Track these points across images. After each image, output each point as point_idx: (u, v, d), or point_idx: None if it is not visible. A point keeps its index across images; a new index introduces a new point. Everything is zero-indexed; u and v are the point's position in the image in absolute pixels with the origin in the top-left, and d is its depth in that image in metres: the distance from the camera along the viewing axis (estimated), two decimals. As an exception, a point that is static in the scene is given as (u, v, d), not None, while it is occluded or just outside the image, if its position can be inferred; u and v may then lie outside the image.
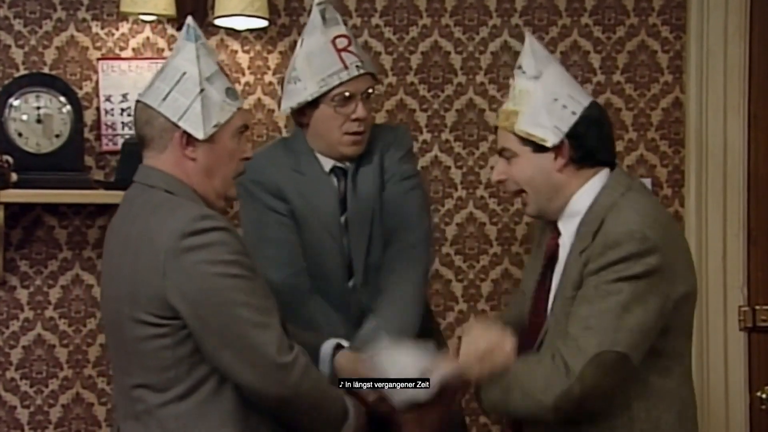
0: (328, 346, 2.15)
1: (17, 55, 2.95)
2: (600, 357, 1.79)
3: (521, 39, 3.04)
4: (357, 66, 2.32)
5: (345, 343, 2.17)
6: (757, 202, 3.05)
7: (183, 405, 1.84)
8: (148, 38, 2.98)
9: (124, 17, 2.95)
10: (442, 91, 3.08)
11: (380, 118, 3.02)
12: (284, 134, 3.02)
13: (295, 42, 3.00)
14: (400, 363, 2.00)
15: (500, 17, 3.08)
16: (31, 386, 2.96)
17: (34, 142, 2.81)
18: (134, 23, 2.97)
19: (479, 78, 3.08)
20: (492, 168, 3.04)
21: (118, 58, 2.97)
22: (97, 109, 2.96)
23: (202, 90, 1.90)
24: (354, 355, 2.13)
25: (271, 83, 3.04)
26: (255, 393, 1.84)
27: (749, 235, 3.04)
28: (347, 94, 2.31)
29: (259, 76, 3.03)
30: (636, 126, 3.09)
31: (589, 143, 1.95)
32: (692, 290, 1.93)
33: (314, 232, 2.35)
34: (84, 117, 2.91)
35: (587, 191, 1.96)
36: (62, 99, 2.83)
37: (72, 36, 2.96)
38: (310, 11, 2.99)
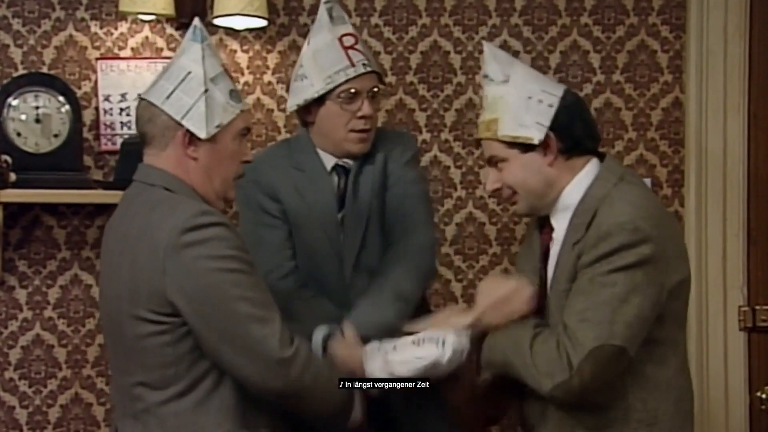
0: (317, 338, 2.14)
1: (16, 54, 2.94)
2: (598, 351, 1.80)
3: (521, 38, 3.06)
4: (364, 64, 2.33)
5: (336, 329, 2.16)
6: (757, 201, 3.05)
7: (182, 402, 1.84)
8: (147, 38, 2.98)
9: (122, 17, 2.95)
10: (442, 90, 3.08)
11: (380, 117, 3.01)
12: (283, 134, 3.02)
13: (295, 42, 3.02)
14: (414, 354, 2.00)
15: (500, 17, 3.07)
16: (30, 386, 2.96)
17: (33, 141, 2.81)
18: (133, 23, 2.97)
19: (479, 78, 3.07)
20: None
21: (117, 57, 2.96)
22: (96, 108, 2.96)
23: (206, 90, 1.92)
24: (347, 342, 2.12)
25: (270, 83, 3.03)
26: (257, 387, 1.85)
27: (749, 235, 3.04)
28: (353, 91, 2.31)
29: (258, 75, 3.03)
30: (636, 126, 3.09)
31: (573, 131, 1.97)
32: (686, 278, 1.94)
33: (310, 229, 2.36)
34: (83, 117, 2.90)
35: (578, 183, 1.97)
36: (61, 99, 2.83)
37: (71, 35, 2.96)
38: (309, 11, 3.02)
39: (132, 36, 2.98)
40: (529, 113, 1.96)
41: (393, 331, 2.12)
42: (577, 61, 3.08)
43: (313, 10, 3.01)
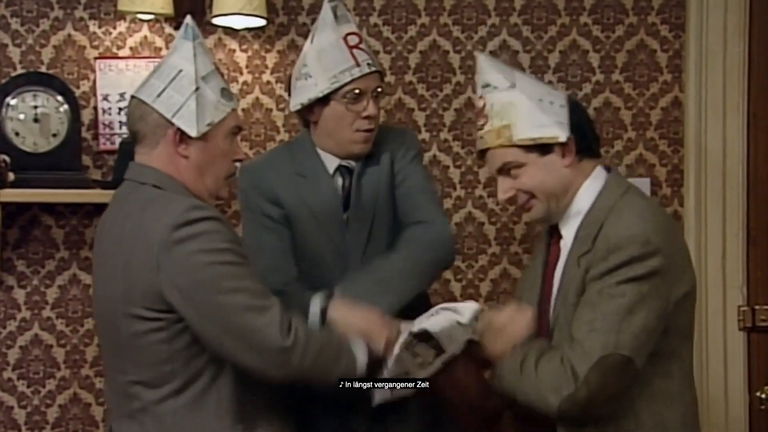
0: (315, 306, 2.14)
1: (14, 54, 2.94)
2: (604, 360, 1.79)
3: (520, 38, 3.06)
4: (368, 63, 2.32)
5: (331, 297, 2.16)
6: (756, 201, 3.05)
7: (179, 400, 1.85)
8: (145, 37, 2.98)
9: (121, 16, 2.94)
10: (441, 90, 3.07)
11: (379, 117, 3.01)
12: (282, 133, 3.02)
13: (293, 41, 3.02)
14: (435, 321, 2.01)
15: (499, 16, 3.07)
16: (29, 386, 2.95)
17: (31, 141, 2.81)
18: (132, 22, 2.97)
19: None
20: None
21: (116, 57, 2.96)
22: (95, 108, 2.95)
23: (197, 88, 1.92)
24: (343, 305, 2.12)
25: (269, 82, 3.03)
26: (260, 376, 1.86)
27: (748, 235, 3.04)
28: (358, 91, 2.31)
29: (257, 75, 3.02)
30: (635, 125, 3.09)
31: (585, 133, 1.97)
32: (691, 289, 1.93)
33: (313, 233, 2.35)
34: (81, 116, 2.90)
35: (589, 187, 1.96)
36: (59, 98, 2.82)
37: (69, 35, 2.96)
38: (308, 10, 3.02)
39: (131, 35, 2.97)
40: (546, 114, 1.95)
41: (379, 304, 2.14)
42: (576, 61, 3.08)
43: (312, 10, 3.01)
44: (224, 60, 3.00)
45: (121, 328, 1.86)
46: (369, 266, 2.29)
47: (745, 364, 3.02)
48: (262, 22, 2.93)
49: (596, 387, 1.80)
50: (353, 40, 2.34)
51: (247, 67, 3.02)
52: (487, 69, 2.03)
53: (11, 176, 2.72)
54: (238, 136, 2.05)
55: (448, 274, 3.06)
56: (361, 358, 1.98)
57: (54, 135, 2.82)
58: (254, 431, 1.89)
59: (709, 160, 3.02)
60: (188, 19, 2.01)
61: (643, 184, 3.00)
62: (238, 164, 2.11)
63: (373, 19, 3.05)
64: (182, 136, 1.91)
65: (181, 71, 1.93)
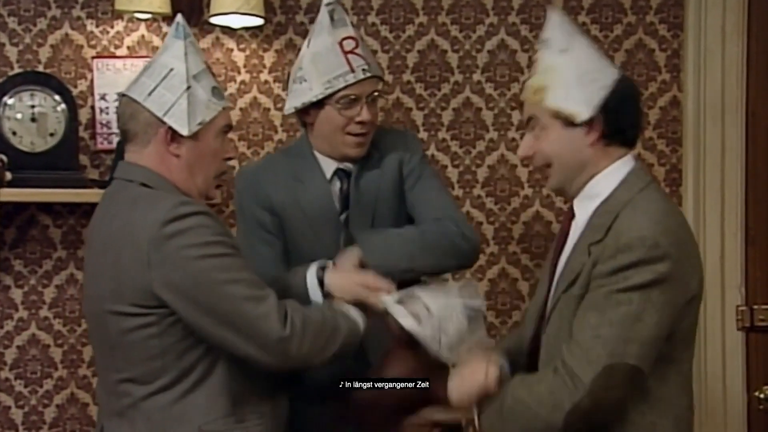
0: (312, 275, 2.14)
1: (11, 53, 2.94)
2: (611, 368, 1.76)
3: (518, 37, 3.05)
4: (363, 69, 2.31)
5: (328, 264, 2.17)
6: (755, 201, 3.04)
7: (168, 395, 1.85)
8: (143, 36, 2.97)
9: (119, 15, 2.94)
10: (439, 89, 3.07)
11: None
12: (279, 132, 3.02)
13: (291, 40, 3.01)
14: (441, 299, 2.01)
15: (497, 15, 3.07)
16: (26, 386, 2.95)
17: (29, 140, 2.80)
18: (129, 21, 2.96)
19: (476, 76, 3.07)
20: (487, 167, 3.06)
21: (113, 56, 2.96)
22: (92, 107, 2.95)
23: (188, 87, 1.93)
24: (341, 270, 2.14)
25: (266, 82, 3.02)
26: (261, 365, 1.86)
27: (747, 235, 3.03)
28: (353, 96, 2.30)
29: (254, 74, 3.02)
30: (633, 125, 3.08)
31: (619, 119, 1.92)
32: (697, 294, 1.89)
33: (307, 238, 2.35)
34: (79, 115, 2.90)
35: (609, 176, 1.92)
36: (57, 97, 2.82)
37: (67, 34, 2.95)
38: (306, 10, 3.01)
39: (128, 35, 2.97)
40: (581, 90, 1.90)
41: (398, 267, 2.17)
42: (574, 60, 3.07)
43: (310, 9, 3.00)
44: (222, 59, 2.99)
45: (110, 326, 1.86)
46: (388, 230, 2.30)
47: (743, 363, 3.01)
48: (259, 22, 2.93)
49: (602, 395, 1.77)
50: (349, 44, 2.33)
51: (244, 66, 3.01)
52: (552, 26, 1.98)
53: (8, 176, 2.72)
54: (228, 135, 2.05)
55: (446, 274, 3.05)
56: (359, 322, 2.01)
57: (51, 134, 2.81)
58: (245, 422, 1.89)
59: (707, 160, 3.02)
60: (179, 17, 2.02)
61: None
62: (229, 163, 2.11)
63: (371, 18, 3.05)
64: (173, 135, 1.92)
65: (172, 70, 1.94)
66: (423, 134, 3.06)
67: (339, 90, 2.29)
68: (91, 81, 2.95)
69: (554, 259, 2.01)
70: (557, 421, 1.78)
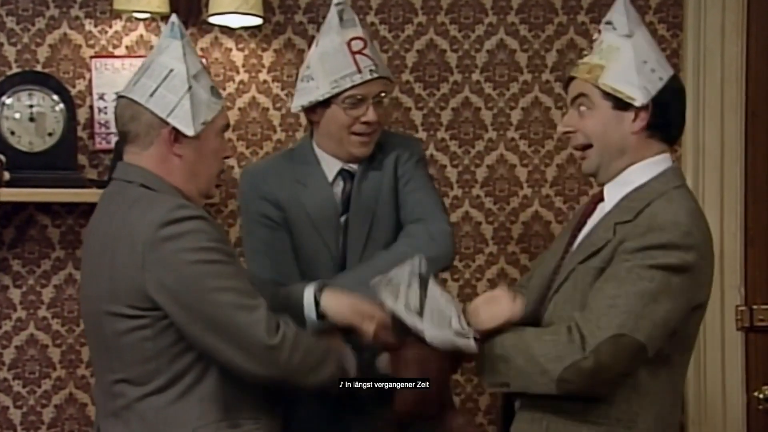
0: (309, 293, 2.12)
1: (10, 53, 2.93)
2: (619, 338, 1.77)
3: (517, 37, 3.05)
4: (371, 70, 2.31)
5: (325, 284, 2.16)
6: (754, 201, 3.04)
7: (163, 397, 1.85)
8: (141, 36, 2.97)
9: (117, 15, 2.94)
10: (438, 89, 3.07)
11: (376, 116, 3.00)
12: (278, 132, 3.01)
13: (290, 40, 3.01)
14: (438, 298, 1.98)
15: (496, 15, 3.06)
16: (24, 386, 2.95)
17: (27, 140, 2.80)
18: (127, 21, 2.96)
19: (475, 76, 3.07)
20: (486, 167, 3.06)
21: (112, 56, 2.95)
22: (91, 107, 2.95)
23: (190, 87, 1.93)
24: (338, 292, 2.12)
25: (265, 81, 3.02)
26: (247, 375, 1.85)
27: (746, 235, 3.03)
28: (359, 97, 2.30)
29: (253, 74, 3.01)
30: (633, 124, 3.08)
31: (668, 113, 1.94)
32: (704, 302, 1.93)
33: (310, 239, 2.36)
34: (77, 115, 2.90)
35: (646, 167, 1.94)
36: (55, 97, 2.82)
37: (65, 34, 2.95)
38: (305, 9, 3.01)
39: (127, 34, 2.97)
40: (640, 76, 1.92)
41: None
42: (573, 60, 3.05)
43: (309, 9, 3.00)
44: (220, 59, 2.99)
45: (105, 326, 1.86)
46: (367, 259, 2.30)
47: (743, 363, 3.01)
48: (258, 21, 2.92)
49: (605, 362, 1.78)
50: (357, 45, 2.33)
51: (243, 66, 3.01)
52: (620, 10, 2.01)
53: (7, 175, 2.72)
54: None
55: (445, 274, 3.05)
56: (350, 364, 2.00)
57: (50, 134, 2.81)
58: (239, 427, 1.89)
59: (707, 160, 3.01)
60: (174, 17, 2.02)
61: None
62: (226, 161, 2.12)
63: (370, 17, 3.04)
64: (177, 136, 1.91)
65: (172, 70, 1.93)
66: (422, 134, 3.05)
67: (345, 90, 2.29)
68: (90, 81, 2.94)
69: (573, 232, 2.02)
70: (553, 372, 1.80)
